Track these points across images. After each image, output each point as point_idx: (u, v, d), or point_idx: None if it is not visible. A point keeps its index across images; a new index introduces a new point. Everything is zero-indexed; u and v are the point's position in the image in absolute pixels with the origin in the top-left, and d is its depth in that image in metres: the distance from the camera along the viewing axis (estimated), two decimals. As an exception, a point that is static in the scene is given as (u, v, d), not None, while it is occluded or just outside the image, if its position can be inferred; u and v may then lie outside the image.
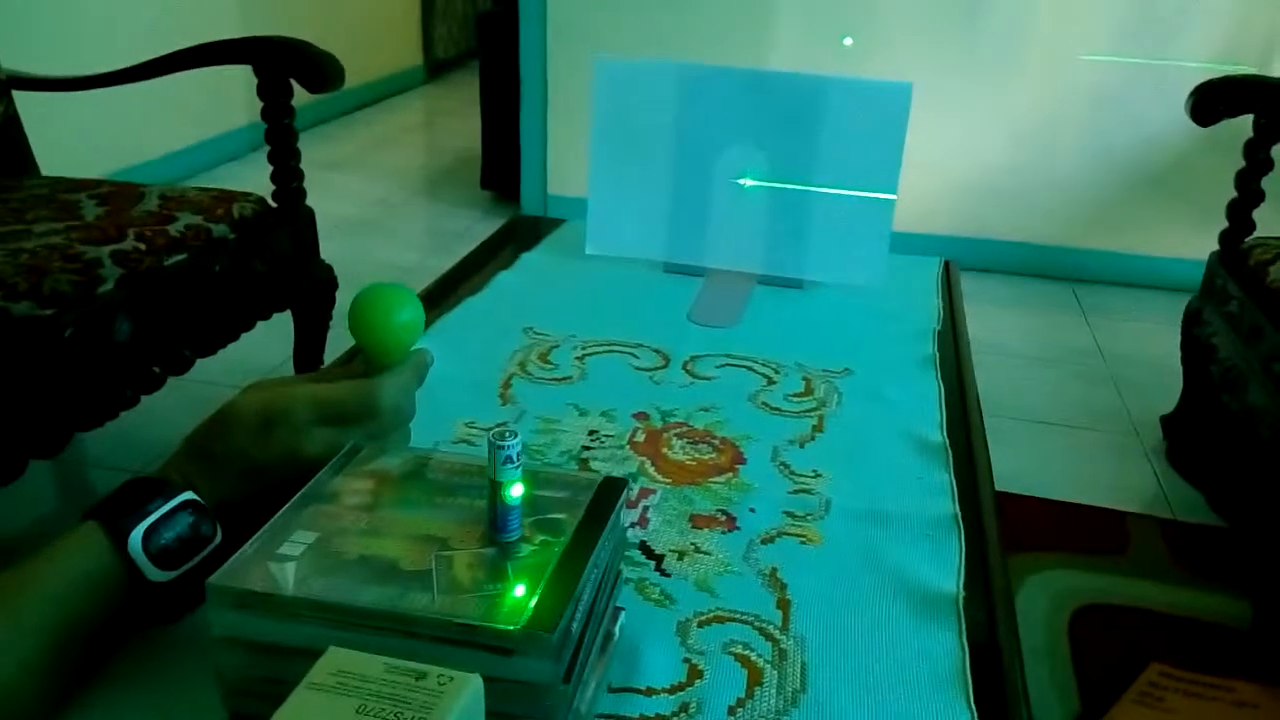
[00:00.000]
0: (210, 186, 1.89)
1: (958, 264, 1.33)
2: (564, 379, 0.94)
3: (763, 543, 0.71)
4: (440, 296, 1.15)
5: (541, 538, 0.50)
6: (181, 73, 1.94)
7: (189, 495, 0.56)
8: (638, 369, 0.97)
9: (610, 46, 3.10)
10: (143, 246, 1.59)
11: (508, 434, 0.50)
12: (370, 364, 0.65)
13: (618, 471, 0.79)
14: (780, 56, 2.97)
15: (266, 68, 1.82)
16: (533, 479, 0.54)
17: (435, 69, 6.06)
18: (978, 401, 0.93)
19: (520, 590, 0.46)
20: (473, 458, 0.58)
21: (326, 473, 0.55)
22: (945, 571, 0.68)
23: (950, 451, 0.83)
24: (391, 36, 5.61)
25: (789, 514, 0.74)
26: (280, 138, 1.86)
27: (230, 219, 1.78)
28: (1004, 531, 0.78)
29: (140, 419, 1.95)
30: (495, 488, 0.50)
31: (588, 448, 0.82)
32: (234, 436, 0.59)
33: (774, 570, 0.67)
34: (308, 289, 1.96)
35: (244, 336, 1.84)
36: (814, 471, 0.80)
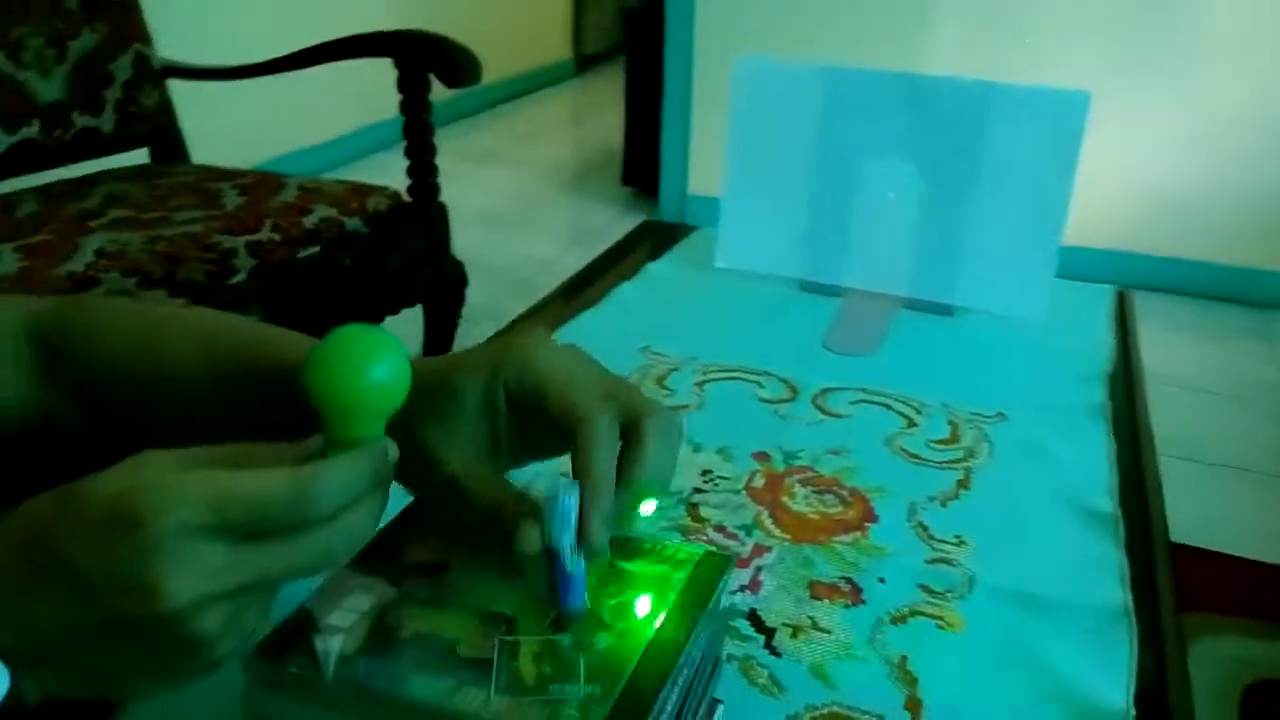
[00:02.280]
0: (349, 179, 1.90)
1: (1131, 291, 1.18)
2: (680, 407, 0.86)
3: (892, 622, 0.61)
4: (558, 307, 1.09)
5: (624, 626, 0.43)
6: (335, 63, 1.96)
7: None
8: (762, 400, 0.88)
9: (758, 46, 3.00)
10: (277, 238, 1.60)
11: (564, 484, 0.42)
12: (329, 442, 0.38)
13: (731, 521, 0.70)
14: (936, 59, 2.80)
15: (406, 61, 1.81)
16: (619, 549, 0.46)
17: (584, 63, 6.07)
18: (1156, 465, 0.81)
19: (593, 693, 0.39)
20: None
21: (396, 523, 0.49)
22: (1112, 679, 0.57)
23: (1123, 525, 0.71)
24: (542, 30, 5.64)
25: (925, 589, 0.64)
26: (417, 132, 1.84)
27: (364, 213, 1.78)
28: (1176, 591, 0.66)
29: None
30: (551, 557, 0.42)
31: (700, 490, 0.74)
32: (64, 537, 0.34)
33: (903, 659, 0.58)
34: (438, 285, 1.95)
35: (373, 330, 1.84)
36: (957, 538, 0.69)
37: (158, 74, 1.99)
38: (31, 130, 1.77)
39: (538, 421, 0.44)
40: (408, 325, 2.04)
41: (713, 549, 0.47)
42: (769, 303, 1.09)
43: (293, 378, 0.38)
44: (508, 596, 0.44)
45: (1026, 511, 0.73)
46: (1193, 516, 1.69)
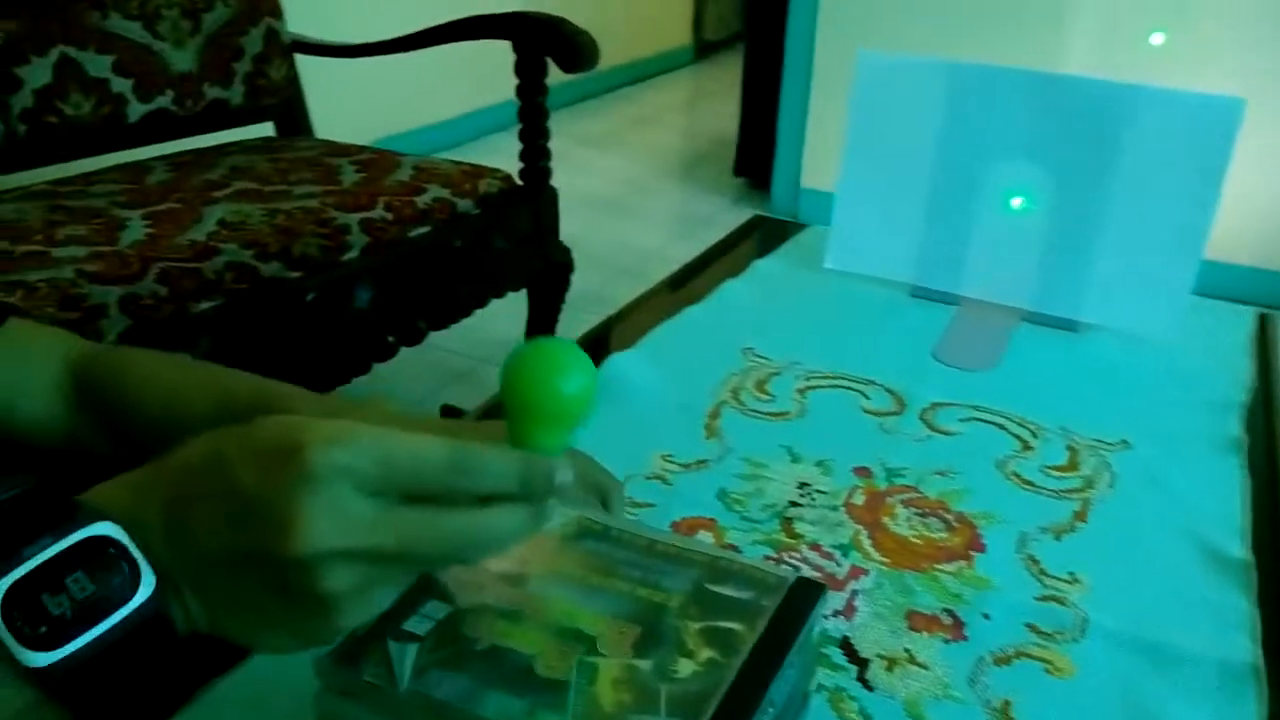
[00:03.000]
0: (464, 160, 1.92)
1: (1275, 314, 1.10)
2: (780, 414, 0.83)
3: (996, 663, 0.57)
4: (664, 300, 1.07)
5: (709, 654, 0.40)
6: (455, 43, 1.98)
7: (103, 529, 0.34)
8: (866, 411, 0.84)
9: (881, 38, 2.92)
10: (389, 216, 1.62)
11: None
12: (516, 438, 0.39)
13: (827, 539, 0.67)
14: (1067, 58, 2.67)
15: (524, 44, 1.81)
16: (707, 570, 0.44)
17: (703, 50, 6.03)
18: (1298, 509, 0.74)
19: (673, 728, 0.37)
20: (643, 529, 0.49)
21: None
22: (1239, 745, 0.53)
23: (1256, 574, 0.66)
24: (663, 16, 5.62)
25: (1033, 628, 0.60)
26: (531, 116, 1.84)
27: (475, 194, 1.79)
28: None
29: (381, 379, 2.01)
30: None
31: (795, 504, 0.71)
32: (234, 460, 0.35)
33: (1006, 705, 0.54)
34: (544, 269, 1.95)
35: (478, 313, 1.85)
36: (1070, 575, 0.65)
37: (286, 49, 2.04)
38: (165, 100, 1.84)
39: None
40: (512, 309, 2.06)
41: (806, 575, 0.45)
42: (878, 308, 1.05)
43: None
44: (590, 614, 0.42)
45: (1148, 551, 0.68)
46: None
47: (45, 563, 0.33)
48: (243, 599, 0.35)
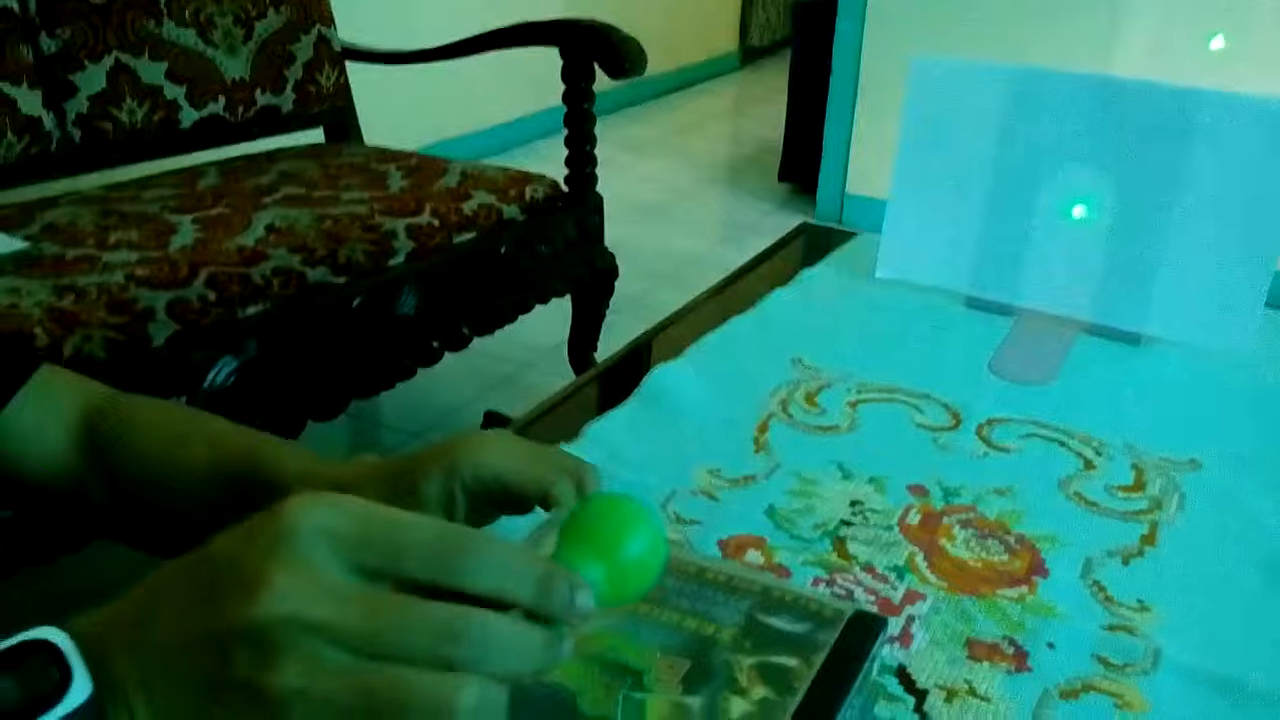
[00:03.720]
0: (510, 166, 1.91)
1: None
2: (830, 428, 0.81)
3: (1062, 696, 0.54)
4: (709, 309, 1.05)
5: (763, 692, 0.38)
6: (503, 50, 1.98)
7: (42, 633, 0.32)
8: (920, 426, 0.82)
9: (930, 44, 2.87)
10: (436, 222, 1.62)
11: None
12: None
13: (881, 561, 0.65)
14: (1126, 61, 2.61)
15: (571, 50, 1.80)
16: (759, 599, 0.42)
17: (749, 56, 6.00)
18: (1384, 535, 0.70)
19: (724, 770, 0.35)
20: (692, 553, 0.47)
21: (533, 535, 0.45)
22: (1327, 792, 0.49)
23: (1341, 605, 0.62)
24: (709, 22, 5.60)
25: (1101, 660, 0.57)
26: (578, 122, 1.84)
27: (522, 200, 1.78)
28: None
29: (426, 383, 2.01)
30: None
31: (847, 523, 0.69)
32: (217, 539, 0.33)
33: (1074, 742, 0.51)
34: (588, 276, 1.94)
35: (522, 319, 1.84)
36: (1139, 602, 0.62)
37: (337, 56, 2.06)
38: (217, 106, 1.86)
39: (495, 507, 0.47)
40: (556, 315, 2.05)
41: (861, 601, 0.42)
42: (932, 319, 1.02)
43: (282, 484, 0.45)
44: (637, 647, 0.40)
45: (1222, 578, 0.65)
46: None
47: None
48: (189, 703, 0.31)
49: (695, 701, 0.38)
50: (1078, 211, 1.00)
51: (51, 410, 0.58)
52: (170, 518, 0.56)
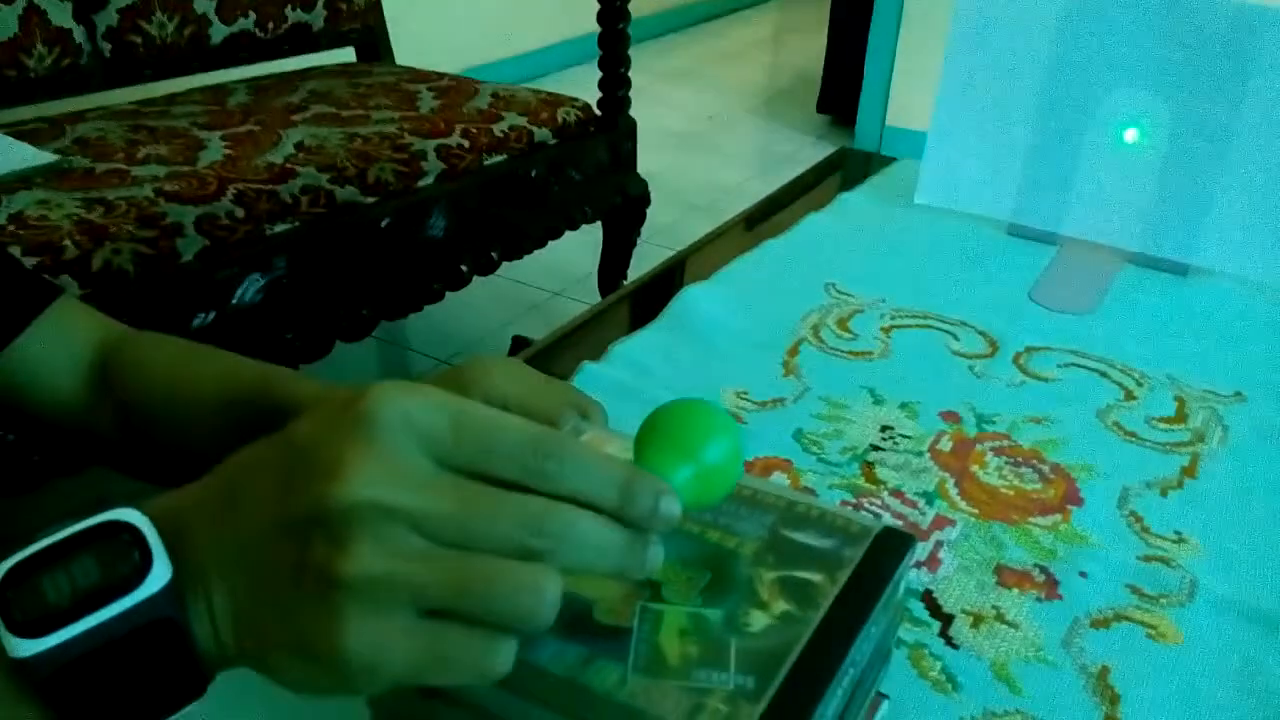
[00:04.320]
0: (543, 90, 1.87)
1: None
2: (863, 354, 0.79)
3: (1093, 625, 0.53)
4: (741, 233, 1.03)
5: (785, 606, 0.37)
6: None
7: (121, 514, 0.31)
8: (955, 354, 0.79)
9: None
10: (466, 144, 1.60)
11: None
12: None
13: (910, 486, 0.63)
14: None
15: (605, -33, 1.75)
16: (784, 514, 0.41)
17: (790, -18, 5.84)
18: None
19: (744, 686, 0.34)
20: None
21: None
22: (1366, 729, 0.48)
23: (1389, 542, 0.60)
24: (750, -54, 5.45)
25: (1135, 590, 0.55)
26: (611, 43, 1.79)
27: (554, 123, 1.75)
28: None
29: (455, 309, 2.01)
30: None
31: (877, 448, 0.67)
32: (296, 421, 0.32)
33: (1104, 671, 0.50)
34: (620, 203, 1.91)
35: (552, 245, 1.83)
36: (1177, 534, 0.60)
37: (366, -27, 2.01)
38: (247, 22, 1.83)
39: None
40: (586, 242, 2.02)
41: (894, 526, 0.41)
42: (972, 246, 0.99)
43: (295, 407, 0.43)
44: (656, 555, 0.39)
45: (1264, 512, 0.62)
46: None
47: (53, 546, 0.29)
48: (266, 592, 0.30)
49: (715, 614, 0.37)
50: (1130, 135, 0.96)
51: (66, 343, 0.57)
52: (178, 451, 0.56)
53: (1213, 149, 0.92)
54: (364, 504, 0.29)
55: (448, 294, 1.60)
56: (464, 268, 1.59)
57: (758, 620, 0.36)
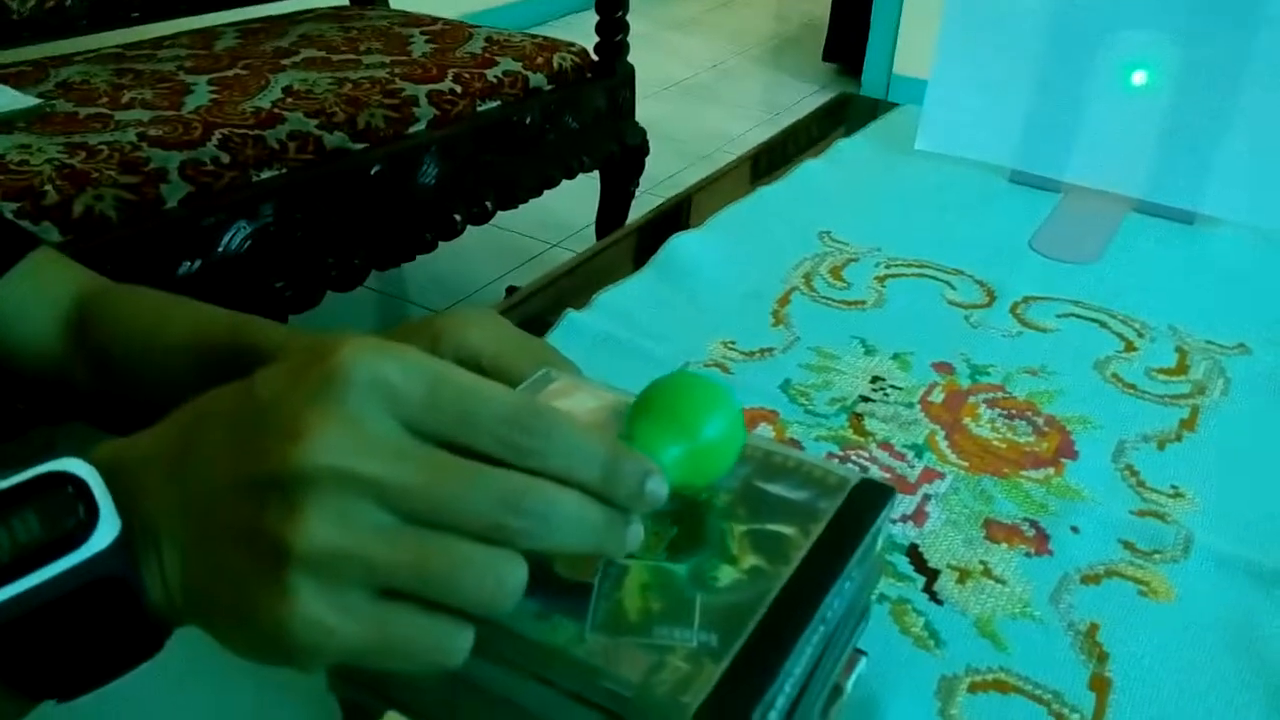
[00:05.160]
0: (539, 35, 1.83)
1: None
2: (855, 303, 0.76)
3: (1083, 581, 0.51)
4: (736, 179, 1.00)
5: (755, 561, 0.35)
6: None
7: (65, 464, 0.29)
8: (951, 303, 0.77)
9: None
10: (458, 89, 1.56)
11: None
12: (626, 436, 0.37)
13: (899, 439, 0.61)
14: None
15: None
16: (759, 465, 0.39)
17: (797, -73, 5.71)
18: None
19: (707, 643, 0.32)
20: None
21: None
22: (1361, 688, 0.46)
23: (1392, 497, 0.58)
24: (757, -111, 5.32)
25: (1127, 545, 0.54)
26: (609, -15, 1.75)
27: (549, 69, 1.71)
28: None
29: (452, 260, 1.98)
30: None
31: (866, 399, 0.65)
32: (261, 372, 0.30)
33: (1093, 628, 0.48)
34: (618, 151, 1.88)
35: (548, 194, 1.79)
36: (1173, 488, 0.58)
37: (357, -88, 1.96)
38: (234, -36, 1.78)
39: None
40: (584, 192, 1.99)
41: (873, 476, 0.39)
42: (973, 194, 0.96)
43: (269, 353, 0.43)
44: (620, 508, 0.37)
45: (1264, 466, 0.61)
46: None
47: None
48: (216, 555, 0.28)
49: (681, 569, 0.35)
50: (1137, 78, 0.92)
51: (42, 294, 0.56)
52: (152, 404, 0.55)
53: (1221, 93, 0.89)
54: (324, 471, 0.27)
55: (445, 245, 1.58)
56: (457, 217, 1.57)
57: (726, 575, 0.35)
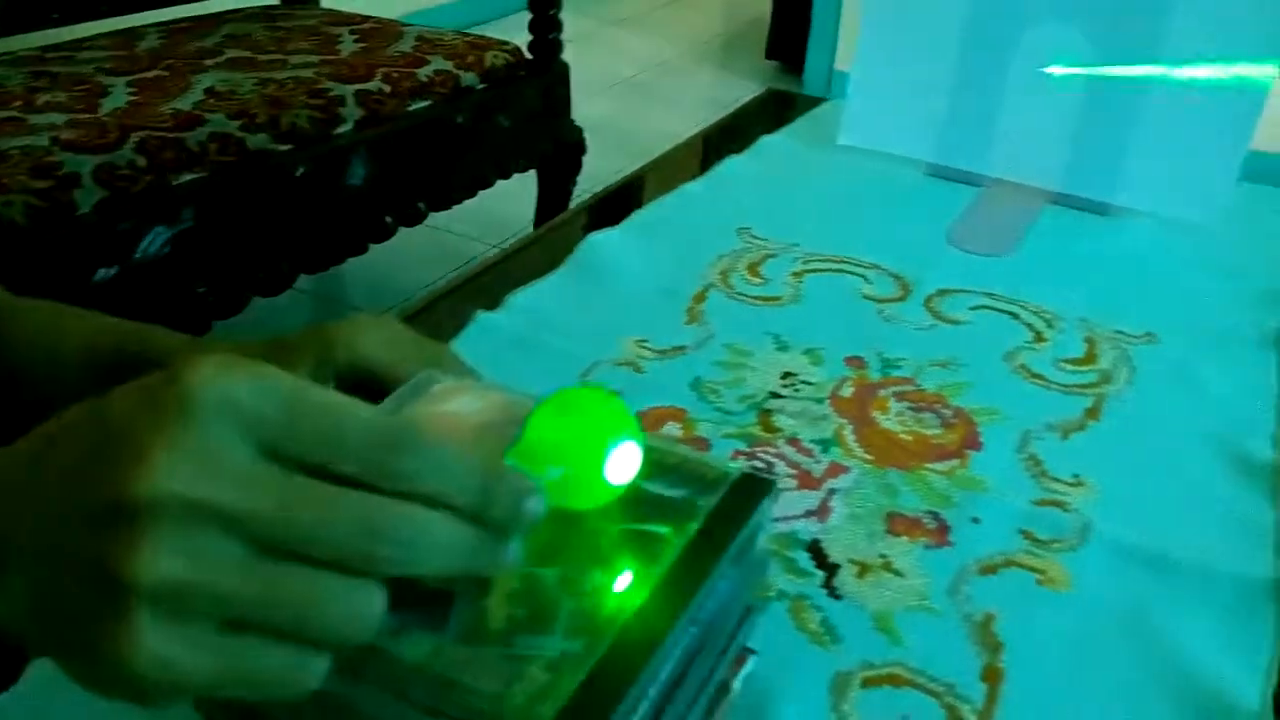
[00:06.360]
0: (471, 33, 1.81)
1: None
2: (771, 299, 0.76)
3: (981, 572, 0.51)
4: (659, 177, 1.00)
5: (626, 563, 0.35)
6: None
7: None
8: (866, 297, 0.77)
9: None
10: (387, 89, 1.54)
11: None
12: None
13: (807, 434, 0.61)
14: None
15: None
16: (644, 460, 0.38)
17: (741, -75, 5.72)
18: (1339, 411, 0.67)
19: (570, 651, 0.31)
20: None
21: (390, 403, 0.41)
22: (1247, 670, 0.47)
23: (1285, 480, 0.59)
24: (699, -113, 5.32)
25: (1027, 535, 0.54)
26: (541, -18, 1.73)
27: (481, 68, 1.69)
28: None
29: (393, 261, 1.95)
30: None
31: (776, 395, 0.65)
32: (114, 392, 0.29)
33: (989, 618, 0.49)
34: (554, 150, 1.86)
35: (485, 194, 1.78)
36: (1075, 477, 0.59)
37: (285, -89, 1.93)
38: (157, -36, 1.75)
39: (366, 395, 0.40)
40: (522, 191, 1.98)
41: (754, 470, 0.39)
42: (892, 189, 0.97)
43: (163, 360, 0.40)
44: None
45: (1165, 453, 0.61)
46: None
47: None
48: (60, 584, 0.27)
49: (550, 574, 0.34)
50: (1051, 71, 0.93)
51: None
52: (42, 414, 0.53)
53: (1131, 86, 0.90)
54: (170, 499, 0.25)
55: (386, 246, 1.56)
56: (388, 218, 1.54)
57: (596, 579, 0.34)
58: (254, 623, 0.26)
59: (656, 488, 0.38)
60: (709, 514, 0.37)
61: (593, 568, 0.35)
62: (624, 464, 0.35)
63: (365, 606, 0.27)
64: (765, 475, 0.39)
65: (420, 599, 0.32)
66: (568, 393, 0.36)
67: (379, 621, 0.28)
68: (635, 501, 0.37)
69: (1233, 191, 0.89)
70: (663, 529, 0.36)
